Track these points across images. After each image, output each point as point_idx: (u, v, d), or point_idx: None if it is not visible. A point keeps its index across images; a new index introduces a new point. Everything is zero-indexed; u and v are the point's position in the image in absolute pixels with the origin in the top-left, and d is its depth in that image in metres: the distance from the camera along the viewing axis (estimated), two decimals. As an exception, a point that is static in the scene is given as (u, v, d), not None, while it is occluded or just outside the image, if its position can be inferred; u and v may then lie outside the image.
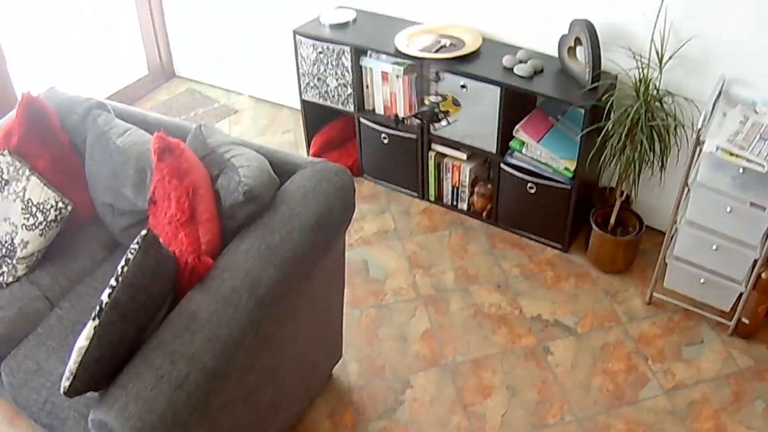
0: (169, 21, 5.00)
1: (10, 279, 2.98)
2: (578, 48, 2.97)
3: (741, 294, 2.71)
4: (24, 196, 3.01)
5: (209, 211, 2.37)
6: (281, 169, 2.51)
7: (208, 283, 2.15)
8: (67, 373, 1.99)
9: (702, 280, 2.78)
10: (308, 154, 4.05)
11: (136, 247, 2.02)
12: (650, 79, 2.76)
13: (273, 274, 2.19)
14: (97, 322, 1.94)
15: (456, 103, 3.28)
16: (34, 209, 3.01)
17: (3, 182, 3.06)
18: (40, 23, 4.54)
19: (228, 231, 2.38)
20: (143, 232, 2.06)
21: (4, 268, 3.00)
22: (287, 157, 2.58)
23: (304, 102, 3.90)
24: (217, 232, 2.36)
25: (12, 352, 2.74)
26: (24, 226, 2.99)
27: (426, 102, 3.32)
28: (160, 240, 2.13)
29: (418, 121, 3.43)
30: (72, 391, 1.99)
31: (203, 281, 2.16)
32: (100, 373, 2.02)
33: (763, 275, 2.65)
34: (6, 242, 3.00)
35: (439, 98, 3.28)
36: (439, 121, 3.36)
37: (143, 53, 5.06)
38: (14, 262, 3.00)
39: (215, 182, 2.45)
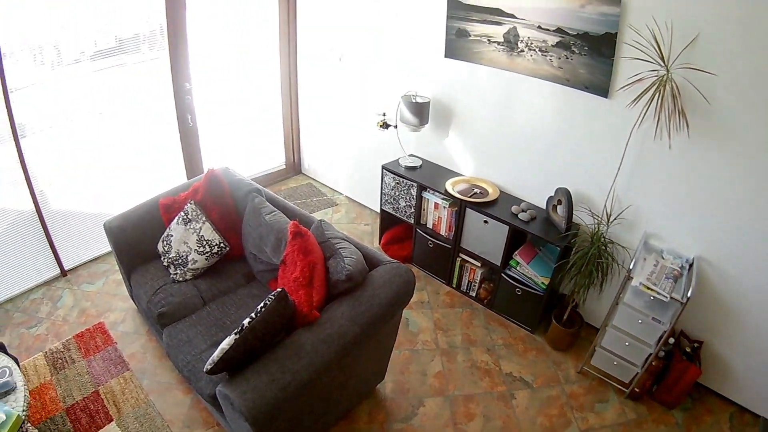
0: (303, 136, 5.48)
1: (180, 279, 3.33)
2: (559, 206, 3.27)
3: (637, 373, 3.01)
4: (199, 232, 3.36)
5: (320, 281, 2.61)
6: (370, 261, 2.84)
7: (314, 328, 2.44)
8: (210, 360, 2.32)
9: (615, 362, 3.06)
10: (379, 243, 4.43)
11: (273, 297, 2.35)
12: (601, 232, 3.05)
13: (356, 330, 2.49)
14: (237, 336, 2.26)
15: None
16: (204, 242, 3.35)
17: (187, 220, 3.40)
18: (222, 114, 4.94)
19: (330, 296, 2.62)
20: (279, 289, 2.38)
21: (178, 272, 3.34)
22: (375, 254, 2.87)
23: (382, 210, 4.30)
24: (323, 295, 2.59)
25: (172, 324, 3.06)
26: (196, 251, 3.33)
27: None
28: (288, 295, 2.40)
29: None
30: (211, 372, 2.32)
31: (311, 326, 2.45)
32: (231, 366, 2.32)
33: (654, 363, 2.94)
34: (183, 256, 3.34)
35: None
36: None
37: (283, 153, 5.56)
38: (185, 270, 3.34)
39: (327, 261, 2.72)
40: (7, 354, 2.89)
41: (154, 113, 4.36)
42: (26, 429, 2.55)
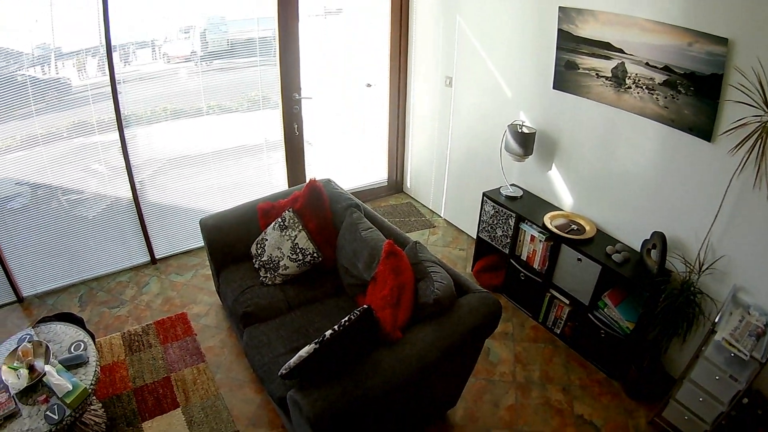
0: (408, 155, 5.77)
1: (270, 283, 3.50)
2: (653, 250, 3.28)
3: (706, 431, 2.98)
4: (294, 240, 3.53)
5: (408, 302, 2.71)
6: (460, 287, 2.93)
7: (395, 348, 2.54)
8: (287, 365, 2.41)
9: (686, 417, 3.05)
10: (472, 269, 4.58)
11: (358, 312, 2.44)
12: (691, 281, 3.08)
13: (436, 355, 2.58)
14: (317, 345, 2.37)
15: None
16: (298, 250, 3.51)
17: (284, 227, 3.57)
18: (329, 126, 5.33)
19: (416, 318, 2.72)
20: (365, 306, 2.48)
21: (268, 275, 3.52)
22: (466, 281, 2.98)
23: (478, 237, 4.45)
24: (408, 316, 2.69)
25: (254, 325, 3.23)
26: (288, 257, 3.50)
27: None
28: (374, 312, 2.50)
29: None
30: (286, 377, 2.43)
31: (392, 345, 2.55)
32: (306, 373, 2.43)
33: (724, 422, 2.87)
34: (275, 261, 3.52)
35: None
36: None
37: (386, 170, 5.87)
38: (275, 274, 3.51)
39: (417, 283, 2.82)
40: (85, 329, 3.21)
41: (260, 119, 4.80)
42: (90, 402, 2.81)
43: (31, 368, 2.81)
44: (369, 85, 5.13)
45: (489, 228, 4.32)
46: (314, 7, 4.60)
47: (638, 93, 3.29)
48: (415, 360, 2.52)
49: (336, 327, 2.40)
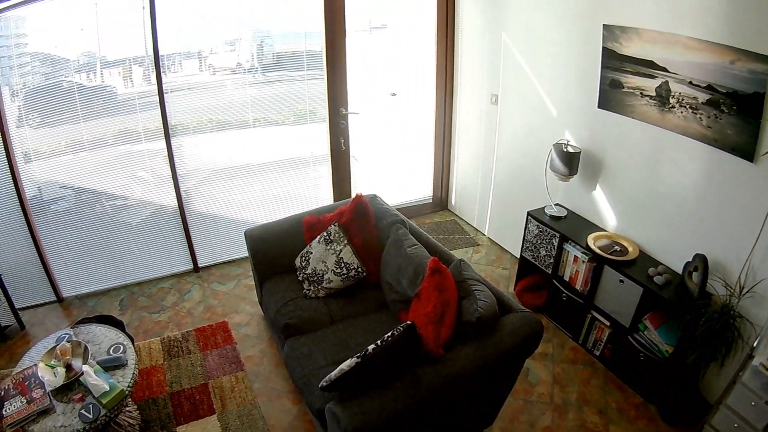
0: (454, 172, 5.86)
1: (312, 296, 3.56)
2: (694, 273, 3.26)
3: None
4: (339, 254, 3.59)
5: (451, 319, 2.76)
6: (503, 306, 2.95)
7: (436, 365, 2.59)
8: (327, 378, 2.45)
9: None
10: (514, 289, 4.58)
11: (402, 328, 2.48)
12: (732, 304, 3.05)
13: (477, 373, 2.64)
14: (360, 359, 2.41)
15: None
16: (343, 265, 3.57)
17: (329, 240, 3.65)
18: (375, 141, 5.47)
19: (458, 335, 2.77)
20: (409, 322, 2.51)
21: (312, 288, 3.59)
22: (509, 300, 3.01)
23: (522, 257, 4.45)
24: (451, 334, 2.73)
25: (296, 336, 3.30)
26: (333, 271, 3.57)
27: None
28: (417, 329, 2.53)
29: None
30: (326, 390, 2.47)
31: (434, 362, 2.60)
32: (346, 387, 2.47)
33: None
34: (319, 274, 3.59)
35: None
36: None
37: (431, 186, 6.00)
38: (319, 287, 3.58)
39: (460, 301, 2.86)
40: (125, 332, 3.34)
41: (307, 133, 4.95)
42: (126, 403, 2.89)
43: (69, 367, 2.93)
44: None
45: (532, 247, 4.33)
46: (359, 23, 4.71)
47: (682, 112, 3.28)
48: (456, 378, 2.56)
49: (379, 342, 2.45)
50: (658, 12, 3.27)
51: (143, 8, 3.89)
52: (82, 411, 2.73)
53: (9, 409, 2.75)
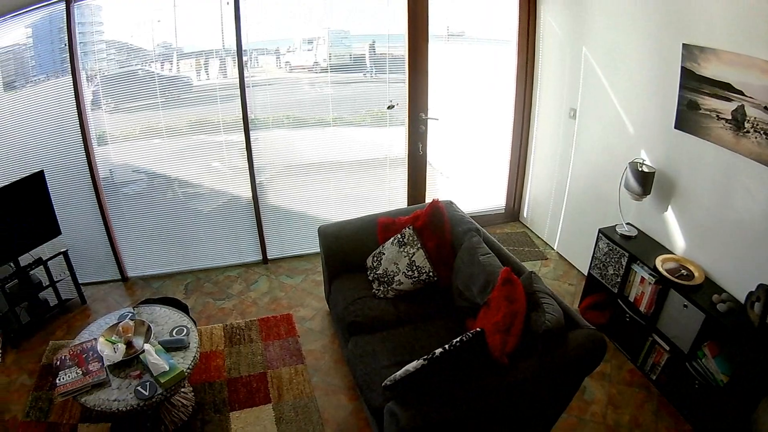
0: (528, 185, 5.95)
1: (381, 296, 3.69)
2: (756, 303, 3.24)
3: None
4: (412, 257, 3.72)
5: (518, 330, 2.82)
6: (569, 321, 3.01)
7: (499, 374, 2.66)
8: (392, 377, 2.56)
9: None
10: (579, 305, 4.60)
11: (471, 335, 2.59)
12: None
13: (538, 384, 2.72)
14: (425, 362, 2.52)
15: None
16: (414, 268, 3.69)
17: (403, 243, 3.78)
18: (452, 149, 5.58)
19: (523, 346, 2.82)
20: (478, 329, 2.65)
21: (381, 288, 3.71)
22: (576, 316, 3.08)
23: (589, 273, 4.48)
24: (517, 344, 2.79)
25: (361, 335, 3.41)
26: (404, 274, 3.70)
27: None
28: (485, 337, 2.65)
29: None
30: (389, 389, 2.58)
31: (498, 371, 2.67)
32: (409, 388, 2.56)
33: None
34: (389, 276, 3.71)
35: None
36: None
37: (504, 197, 6.10)
38: (388, 288, 3.70)
39: (529, 313, 2.91)
40: (189, 316, 3.51)
41: (385, 135, 5.13)
42: (183, 384, 3.01)
43: (129, 344, 3.13)
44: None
45: (601, 265, 4.37)
46: (438, 29, 4.86)
47: (756, 138, 3.30)
48: (517, 388, 2.62)
49: (446, 346, 2.54)
50: (734, 33, 3.30)
51: (227, 3, 4.19)
52: (138, 387, 2.90)
53: (63, 378, 2.94)
